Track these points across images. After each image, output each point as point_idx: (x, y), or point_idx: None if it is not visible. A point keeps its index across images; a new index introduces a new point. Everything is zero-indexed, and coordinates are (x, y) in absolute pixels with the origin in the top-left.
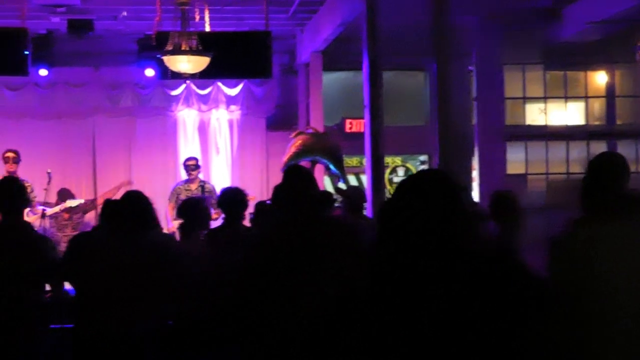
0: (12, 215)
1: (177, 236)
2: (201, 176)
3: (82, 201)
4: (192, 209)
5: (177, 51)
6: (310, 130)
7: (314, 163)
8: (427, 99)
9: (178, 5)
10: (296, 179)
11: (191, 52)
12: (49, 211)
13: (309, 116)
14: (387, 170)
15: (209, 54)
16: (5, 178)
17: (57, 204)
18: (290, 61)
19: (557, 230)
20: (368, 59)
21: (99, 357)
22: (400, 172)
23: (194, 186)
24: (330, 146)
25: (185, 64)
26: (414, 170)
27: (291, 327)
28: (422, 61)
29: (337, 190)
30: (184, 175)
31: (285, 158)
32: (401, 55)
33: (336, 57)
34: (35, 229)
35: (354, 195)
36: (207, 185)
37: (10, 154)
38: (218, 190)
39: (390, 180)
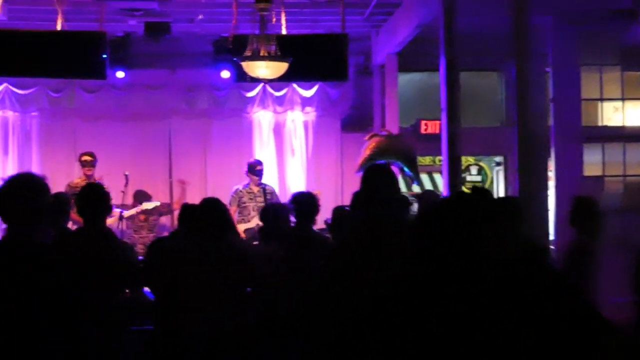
0: (94, 222)
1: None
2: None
3: (158, 204)
4: (275, 214)
5: (255, 57)
6: (384, 133)
7: (388, 165)
8: (501, 100)
9: (258, 10)
10: (374, 181)
11: (270, 57)
12: (126, 213)
13: (384, 117)
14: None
15: (288, 60)
16: (87, 185)
17: (133, 206)
18: (365, 62)
19: (635, 233)
20: (445, 60)
21: (177, 359)
22: (474, 170)
23: (256, 189)
24: (404, 148)
25: (264, 69)
26: (487, 169)
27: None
28: (497, 61)
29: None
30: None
31: (359, 160)
32: (475, 55)
33: (411, 58)
34: (113, 231)
35: (429, 198)
36: (267, 188)
37: (87, 157)
38: (277, 192)
39: (464, 179)
